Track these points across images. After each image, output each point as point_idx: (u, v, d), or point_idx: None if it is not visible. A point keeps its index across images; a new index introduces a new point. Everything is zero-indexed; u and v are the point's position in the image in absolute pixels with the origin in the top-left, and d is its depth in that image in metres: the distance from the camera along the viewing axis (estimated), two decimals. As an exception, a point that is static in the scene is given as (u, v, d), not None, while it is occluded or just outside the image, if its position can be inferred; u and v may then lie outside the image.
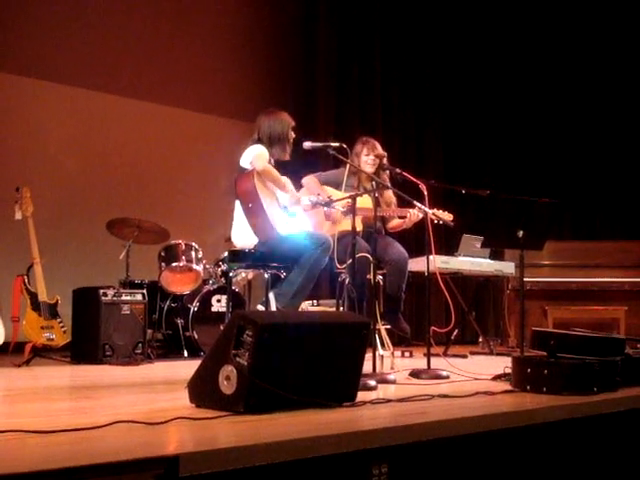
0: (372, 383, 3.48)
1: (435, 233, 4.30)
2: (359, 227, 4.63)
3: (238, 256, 4.35)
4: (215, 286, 6.10)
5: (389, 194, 5.08)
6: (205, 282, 6.17)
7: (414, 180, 4.41)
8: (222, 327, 3.50)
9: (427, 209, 4.36)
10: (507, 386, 3.50)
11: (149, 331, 5.74)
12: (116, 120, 7.19)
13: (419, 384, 3.74)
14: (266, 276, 4.49)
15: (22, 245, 5.45)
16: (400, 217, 5.05)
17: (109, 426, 2.29)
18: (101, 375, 4.55)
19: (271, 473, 2.08)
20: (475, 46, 9.36)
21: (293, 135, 4.48)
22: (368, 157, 5.01)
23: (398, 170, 4.60)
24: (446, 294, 4.46)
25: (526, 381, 3.36)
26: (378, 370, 3.98)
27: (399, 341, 6.54)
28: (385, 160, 4.96)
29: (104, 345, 5.25)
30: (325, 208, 4.63)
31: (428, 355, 4.25)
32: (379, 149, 5.05)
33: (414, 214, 4.85)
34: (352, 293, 4.04)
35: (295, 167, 4.81)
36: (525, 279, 4.47)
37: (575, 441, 3.00)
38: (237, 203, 4.32)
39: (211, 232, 6.38)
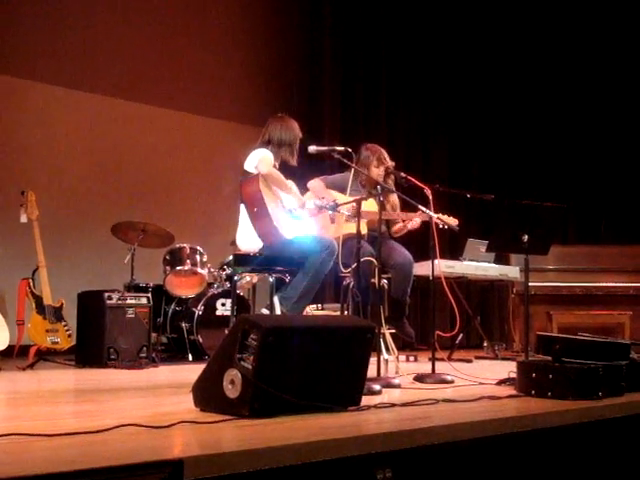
0: (377, 387, 3.47)
1: (440, 237, 4.29)
2: (364, 231, 4.63)
3: (243, 260, 4.35)
4: (220, 290, 6.10)
5: (394, 198, 5.08)
6: (210, 286, 6.18)
7: (419, 185, 4.40)
8: (227, 331, 3.50)
9: (432, 213, 4.36)
10: (512, 391, 3.49)
11: (154, 335, 5.75)
12: (121, 124, 7.21)
13: (424, 388, 3.74)
14: (271, 280, 4.49)
15: (27, 248, 5.46)
16: (404, 221, 5.05)
17: (113, 429, 2.29)
18: (106, 379, 4.55)
19: (275, 477, 2.07)
20: (481, 51, 9.35)
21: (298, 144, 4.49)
22: (379, 169, 4.99)
23: (403, 175, 4.60)
24: (451, 298, 4.46)
25: (531, 386, 3.35)
26: (383, 374, 3.98)
27: (404, 345, 6.54)
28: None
29: (109, 349, 5.26)
30: (330, 212, 4.63)
31: (433, 359, 4.25)
32: (389, 160, 5.02)
33: (415, 222, 4.87)
34: (357, 297, 4.03)
35: (300, 171, 4.81)
36: (530, 283, 4.46)
37: (580, 446, 2.99)
38: (242, 207, 4.33)
39: (216, 236, 6.38)
